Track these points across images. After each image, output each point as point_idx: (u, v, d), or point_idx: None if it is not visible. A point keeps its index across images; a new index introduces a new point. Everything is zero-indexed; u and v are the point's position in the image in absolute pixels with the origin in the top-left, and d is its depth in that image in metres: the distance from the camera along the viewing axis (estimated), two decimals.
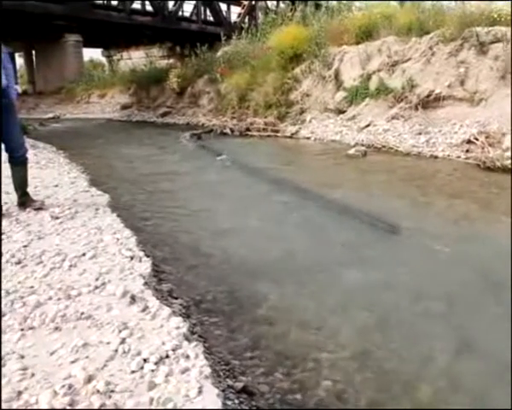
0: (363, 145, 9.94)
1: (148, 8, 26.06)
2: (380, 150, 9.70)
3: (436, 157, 8.74)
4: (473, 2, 11.39)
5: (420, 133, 9.84)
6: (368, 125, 11.07)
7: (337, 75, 12.93)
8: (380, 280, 3.78)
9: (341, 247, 4.61)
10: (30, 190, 5.35)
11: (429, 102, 10.48)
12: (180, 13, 27.06)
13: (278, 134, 12.53)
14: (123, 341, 2.57)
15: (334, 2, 19.32)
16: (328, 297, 3.52)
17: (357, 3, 18.24)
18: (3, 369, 2.30)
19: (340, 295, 3.55)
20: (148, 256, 3.93)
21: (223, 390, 2.34)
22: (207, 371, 2.38)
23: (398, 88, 11.17)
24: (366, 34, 13.05)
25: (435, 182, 7.24)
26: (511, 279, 3.57)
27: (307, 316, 3.26)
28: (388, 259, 4.28)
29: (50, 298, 3.04)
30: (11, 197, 5.27)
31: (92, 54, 34.81)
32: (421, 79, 10.87)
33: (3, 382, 2.21)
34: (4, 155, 4.98)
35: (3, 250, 3.84)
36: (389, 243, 4.69)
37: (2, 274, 3.39)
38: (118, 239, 4.24)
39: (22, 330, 2.67)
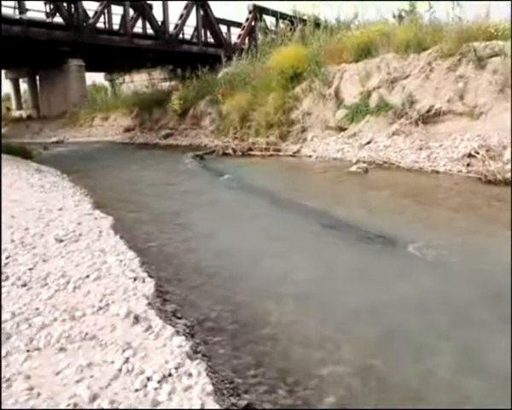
0: (364, 162, 9.99)
1: (150, 31, 26.37)
2: (381, 167, 9.74)
3: (437, 172, 8.77)
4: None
5: (421, 148, 9.88)
6: (369, 142, 11.13)
7: (337, 93, 13.03)
8: (380, 295, 3.81)
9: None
10: (35, 213, 5.42)
11: (429, 118, 10.54)
12: (181, 35, 27.33)
13: (280, 153, 12.60)
14: (126, 360, 2.61)
15: (333, 21, 19.51)
16: (331, 312, 3.56)
17: (355, 21, 18.46)
18: (10, 389, 2.34)
19: (342, 310, 3.58)
20: (151, 277, 3.97)
21: (226, 409, 2.37)
22: (210, 388, 2.41)
23: (398, 104, 11.24)
24: (365, 52, 13.14)
25: (437, 197, 7.26)
26: (511, 291, 3.60)
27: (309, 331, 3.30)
28: (388, 274, 4.31)
29: (55, 319, 3.09)
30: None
31: (95, 78, 35.11)
32: (421, 94, 10.95)
33: (10, 401, 2.25)
34: None
35: (9, 273, 3.89)
36: (389, 258, 4.72)
37: (9, 297, 3.44)
38: (121, 261, 4.28)
39: (28, 351, 2.72)
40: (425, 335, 3.20)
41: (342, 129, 12.35)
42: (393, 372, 2.81)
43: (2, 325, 2.99)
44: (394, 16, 16.75)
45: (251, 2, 29.33)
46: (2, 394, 2.32)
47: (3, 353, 2.70)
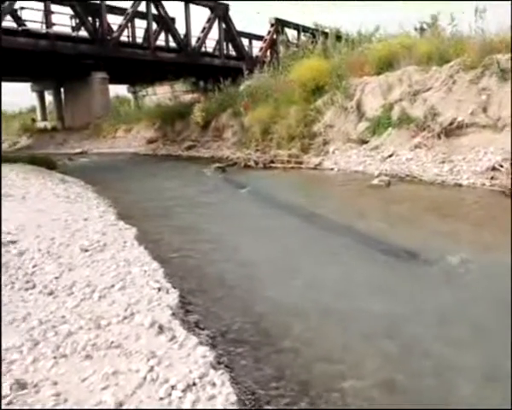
0: (386, 175, 9.93)
1: (172, 44, 26.71)
2: (403, 180, 9.70)
3: (460, 185, 8.70)
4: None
5: (443, 162, 9.82)
6: (391, 155, 11.09)
7: (359, 106, 13.03)
8: (403, 310, 3.81)
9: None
10: (61, 223, 5.51)
11: (452, 130, 10.47)
12: (203, 48, 27.62)
13: (302, 166, 12.60)
14: (151, 369, 2.65)
15: (355, 34, 19.54)
16: (352, 326, 3.57)
17: (377, 34, 18.50)
18: (38, 395, 2.40)
19: (364, 324, 3.58)
20: (175, 288, 4.01)
21: None
22: (233, 398, 2.44)
23: (420, 117, 11.19)
24: (386, 64, 13.16)
25: (460, 210, 7.21)
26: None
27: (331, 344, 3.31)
28: (411, 289, 4.30)
29: (81, 327, 3.15)
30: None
31: (118, 90, 35.61)
32: (443, 107, 10.89)
33: (38, 406, 2.30)
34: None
35: (36, 281, 3.98)
36: (412, 272, 4.71)
37: (36, 305, 3.52)
38: (145, 271, 4.34)
39: (55, 358, 2.78)
40: (447, 349, 3.19)
41: (364, 142, 12.34)
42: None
43: (31, 332, 3.07)
44: (416, 29, 16.74)
45: (273, 16, 29.63)
46: (31, 399, 2.38)
47: (31, 359, 2.76)
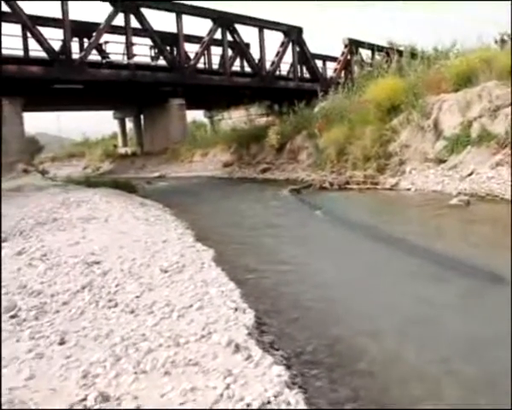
0: (465, 194, 9.63)
1: (247, 69, 27.22)
2: (484, 199, 9.36)
3: None
4: None
5: None
6: (470, 174, 10.73)
7: (436, 124, 12.72)
8: (484, 333, 3.68)
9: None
10: (141, 245, 5.72)
11: None
12: (277, 72, 27.95)
13: (378, 186, 12.43)
14: (228, 386, 2.71)
15: (430, 51, 19.14)
16: (431, 349, 3.48)
17: (454, 49, 18.02)
18: (120, 407, 2.51)
19: (443, 347, 3.49)
20: (250, 308, 4.07)
21: None
22: None
23: (501, 134, 10.79)
24: (465, 80, 12.79)
25: None
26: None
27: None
28: (494, 312, 4.14)
29: (161, 345, 3.27)
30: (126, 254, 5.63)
31: (195, 115, 36.70)
32: None
33: None
34: None
35: (119, 300, 4.17)
36: (496, 295, 4.54)
37: (118, 322, 3.68)
38: (222, 292, 4.43)
39: (136, 373, 2.89)
40: None
41: (442, 161, 12.01)
42: None
43: (113, 348, 3.21)
44: (496, 41, 16.15)
45: (346, 37, 29.64)
46: None
47: (114, 374, 2.89)
